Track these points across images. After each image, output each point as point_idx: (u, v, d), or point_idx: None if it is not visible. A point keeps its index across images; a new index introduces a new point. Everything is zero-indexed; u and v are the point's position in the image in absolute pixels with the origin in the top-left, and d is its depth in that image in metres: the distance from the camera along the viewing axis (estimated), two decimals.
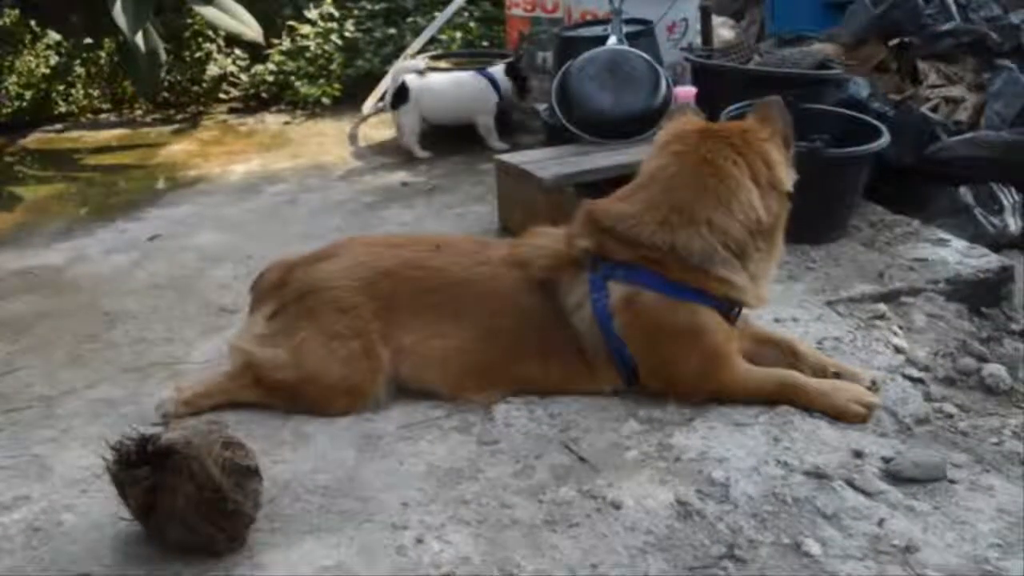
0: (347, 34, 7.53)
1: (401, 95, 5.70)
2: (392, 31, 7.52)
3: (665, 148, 2.78)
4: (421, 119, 5.77)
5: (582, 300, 2.70)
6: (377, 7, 7.79)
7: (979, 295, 3.55)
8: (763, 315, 3.11)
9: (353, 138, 6.50)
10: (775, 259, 2.80)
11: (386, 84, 6.77)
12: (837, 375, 2.75)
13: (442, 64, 6.45)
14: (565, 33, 5.58)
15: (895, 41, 5.26)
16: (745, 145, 2.71)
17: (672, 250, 2.62)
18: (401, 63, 6.10)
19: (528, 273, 2.78)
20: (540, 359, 2.78)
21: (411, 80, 5.72)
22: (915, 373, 2.93)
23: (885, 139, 3.95)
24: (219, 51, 7.74)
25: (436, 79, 5.83)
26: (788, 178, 2.76)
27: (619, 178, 3.00)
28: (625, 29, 4.90)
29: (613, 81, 4.53)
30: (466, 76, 5.80)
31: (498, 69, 5.75)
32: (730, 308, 2.69)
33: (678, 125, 2.84)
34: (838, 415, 2.62)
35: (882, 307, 3.32)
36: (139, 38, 5.96)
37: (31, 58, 7.52)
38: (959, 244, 3.81)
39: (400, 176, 5.52)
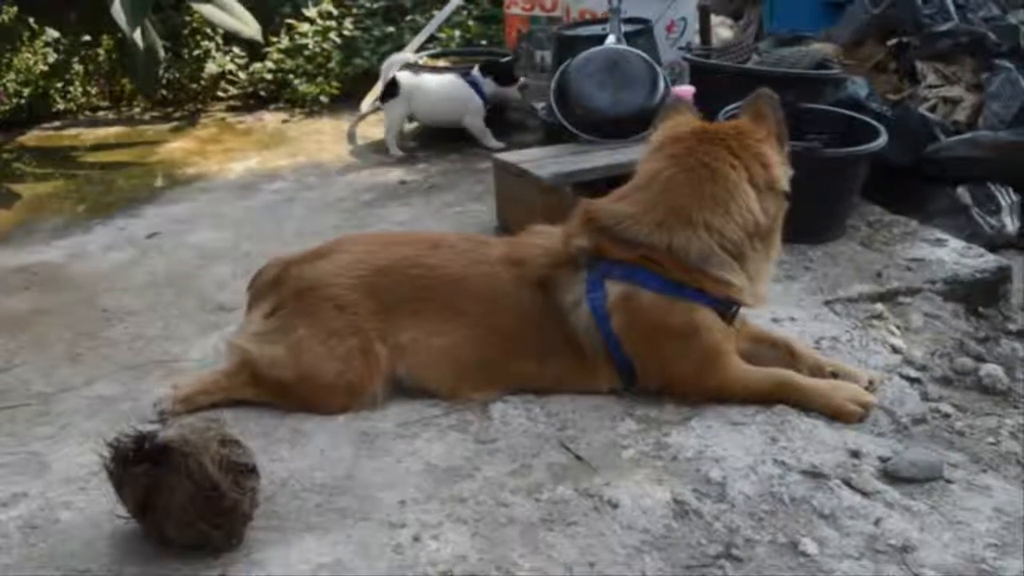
0: (346, 32, 7.52)
1: (391, 90, 5.74)
2: (391, 29, 7.52)
3: (661, 150, 2.77)
4: (407, 117, 5.82)
5: (579, 299, 2.70)
6: (376, 5, 7.79)
7: (976, 295, 3.55)
8: (761, 314, 3.11)
9: (351, 136, 6.50)
10: (772, 259, 2.80)
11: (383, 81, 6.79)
12: (834, 375, 2.75)
13: (440, 63, 6.46)
14: (564, 32, 5.58)
15: (893, 41, 5.27)
16: (741, 147, 2.70)
17: (669, 250, 2.62)
18: (393, 56, 6.12)
19: (526, 271, 2.78)
20: (538, 357, 2.78)
21: (403, 76, 5.75)
22: (912, 373, 2.94)
23: (883, 139, 3.95)
24: (217, 49, 7.74)
25: (428, 79, 5.85)
26: (785, 177, 2.75)
27: (617, 177, 2.99)
28: (624, 28, 4.90)
29: (611, 80, 4.52)
30: (451, 78, 5.81)
31: (476, 73, 5.75)
32: (728, 307, 2.69)
33: (674, 126, 2.83)
34: (835, 414, 2.62)
35: (879, 307, 3.33)
36: (137, 35, 5.96)
37: (29, 55, 7.50)
38: (956, 244, 3.82)
39: (398, 174, 5.51)
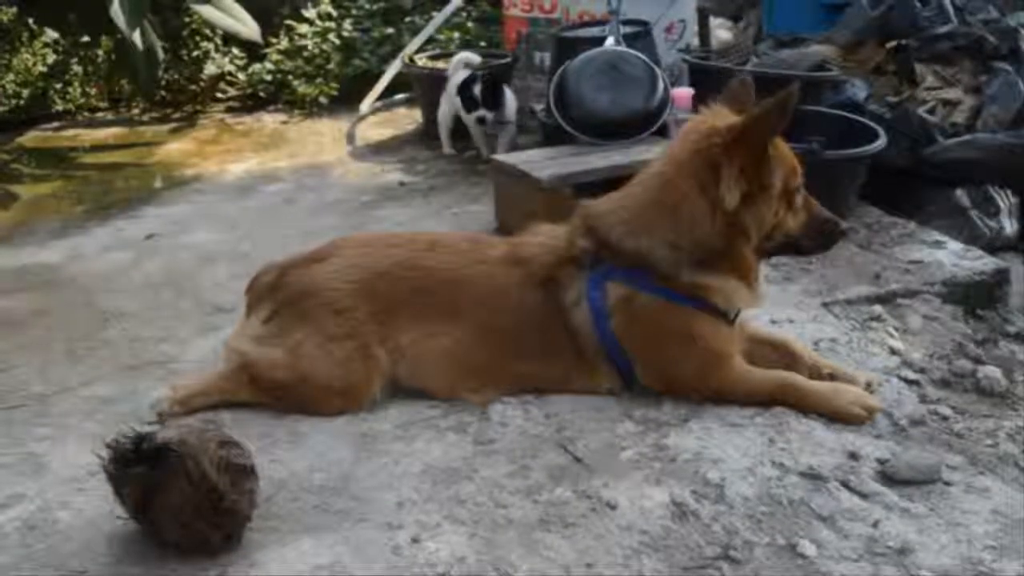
0: (345, 33, 7.55)
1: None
2: (390, 31, 7.54)
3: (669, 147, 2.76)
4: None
5: (580, 298, 2.69)
6: (375, 7, 7.80)
7: (975, 297, 3.55)
8: (760, 316, 3.11)
9: (350, 137, 6.51)
10: (750, 276, 2.66)
11: (384, 83, 6.80)
12: (832, 377, 2.74)
13: (439, 64, 6.46)
14: (563, 34, 5.58)
15: (892, 43, 5.28)
16: (703, 152, 2.56)
17: (638, 255, 2.62)
18: (459, 55, 5.94)
19: (529, 270, 2.77)
20: (539, 357, 2.77)
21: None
22: (911, 375, 2.94)
23: (882, 141, 3.96)
24: (217, 50, 7.76)
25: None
26: (731, 196, 2.52)
27: (616, 179, 2.99)
28: (623, 30, 4.91)
29: (611, 82, 4.52)
30: None
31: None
32: (725, 311, 2.68)
33: (700, 118, 2.72)
34: (838, 417, 2.60)
35: (878, 309, 3.33)
36: (136, 36, 5.96)
37: (28, 56, 7.52)
38: (955, 246, 3.82)
39: (397, 176, 5.52)
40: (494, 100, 5.36)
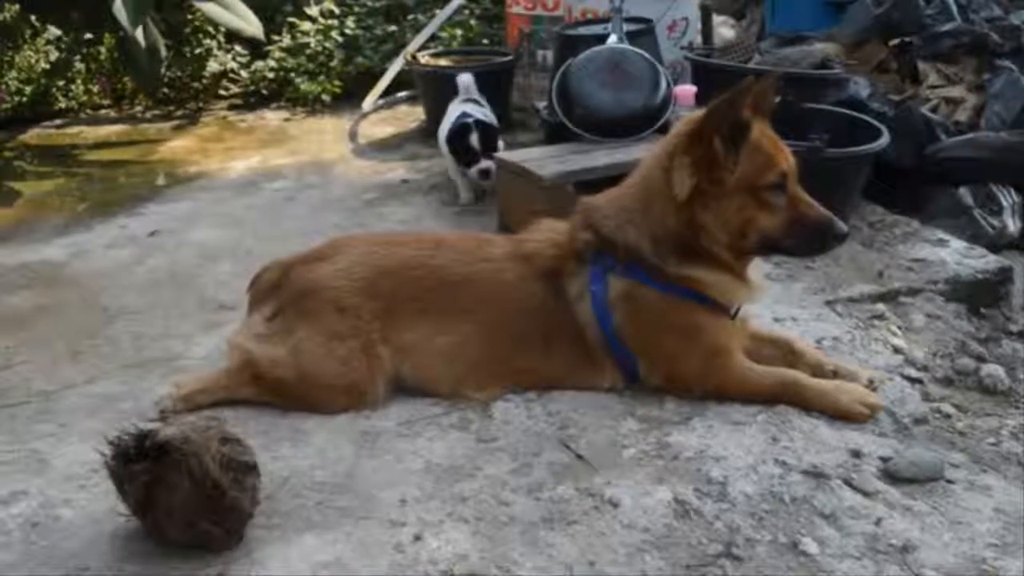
0: (347, 31, 7.55)
1: None
2: (392, 28, 7.54)
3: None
4: None
5: (583, 291, 2.70)
6: (378, 4, 7.80)
7: (978, 296, 3.55)
8: (762, 314, 3.11)
9: (353, 135, 6.50)
10: (733, 271, 2.65)
11: (386, 81, 6.80)
12: (835, 374, 2.74)
13: (442, 62, 6.45)
14: (565, 31, 5.57)
15: (895, 41, 5.27)
16: (668, 144, 2.64)
17: (627, 247, 2.64)
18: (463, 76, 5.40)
19: (534, 265, 2.78)
20: (542, 352, 2.77)
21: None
22: (913, 373, 2.94)
23: (885, 139, 3.95)
24: (219, 47, 7.76)
25: None
26: (680, 187, 2.56)
27: (618, 177, 2.99)
28: (625, 28, 4.90)
29: (613, 79, 4.51)
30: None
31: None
32: (724, 305, 2.68)
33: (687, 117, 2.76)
34: (841, 416, 2.60)
35: (881, 307, 3.33)
36: (139, 33, 5.96)
37: (31, 53, 7.52)
38: (958, 245, 3.82)
39: (400, 174, 5.52)
40: (493, 146, 4.67)
